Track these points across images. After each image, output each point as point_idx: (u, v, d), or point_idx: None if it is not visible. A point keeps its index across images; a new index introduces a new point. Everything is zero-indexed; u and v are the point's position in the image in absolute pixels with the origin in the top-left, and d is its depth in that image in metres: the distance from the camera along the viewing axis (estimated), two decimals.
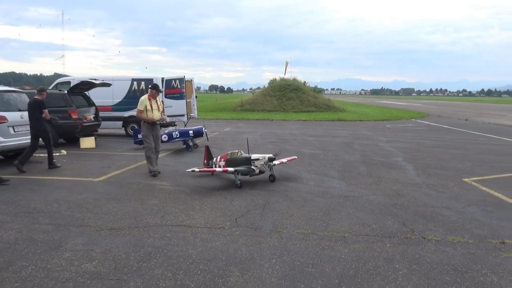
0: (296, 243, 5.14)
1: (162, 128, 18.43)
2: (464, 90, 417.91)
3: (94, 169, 10.06)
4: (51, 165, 10.17)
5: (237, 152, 8.77)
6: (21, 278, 4.08)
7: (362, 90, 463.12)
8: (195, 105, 19.01)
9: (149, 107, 9.28)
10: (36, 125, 9.90)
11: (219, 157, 9.21)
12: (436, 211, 6.71)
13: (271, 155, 8.41)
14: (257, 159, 8.31)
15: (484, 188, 8.36)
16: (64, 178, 9.04)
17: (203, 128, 14.28)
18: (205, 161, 9.72)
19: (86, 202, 6.96)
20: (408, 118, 33.48)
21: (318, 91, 52.12)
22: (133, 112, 17.91)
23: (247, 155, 8.60)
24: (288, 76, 44.65)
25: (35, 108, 9.86)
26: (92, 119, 15.32)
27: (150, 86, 9.61)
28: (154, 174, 9.19)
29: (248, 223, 5.93)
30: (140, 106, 9.29)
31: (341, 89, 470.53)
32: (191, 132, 13.81)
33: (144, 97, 9.41)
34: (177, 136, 13.89)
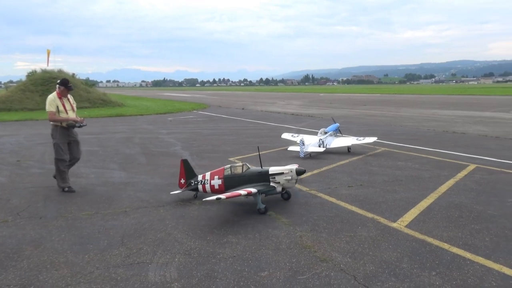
0: (83, 221, 6.63)
1: None
2: (245, 80, 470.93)
3: None
4: None
5: (242, 166, 7.55)
6: None
7: (143, 81, 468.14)
8: None
9: (61, 108, 8.40)
10: None
11: (208, 173, 7.80)
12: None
13: (297, 166, 7.53)
14: (280, 173, 7.23)
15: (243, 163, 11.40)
16: None
17: None
18: (183, 180, 8.08)
19: None
20: (190, 110, 37.30)
21: (91, 84, 51.52)
22: None
23: (259, 168, 7.45)
24: (51, 67, 42.65)
25: None
26: None
27: (58, 82, 8.67)
28: (70, 190, 8.55)
29: (31, 214, 7.03)
30: (50, 107, 8.33)
31: (118, 81, 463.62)
32: None
33: (53, 96, 8.45)
34: None
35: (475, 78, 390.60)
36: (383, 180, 9.35)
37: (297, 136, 14.23)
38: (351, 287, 4.44)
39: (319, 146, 12.71)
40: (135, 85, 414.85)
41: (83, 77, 52.05)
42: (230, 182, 7.39)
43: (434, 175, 9.81)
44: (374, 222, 6.50)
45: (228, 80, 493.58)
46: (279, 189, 7.27)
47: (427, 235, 5.88)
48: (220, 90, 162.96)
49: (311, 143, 12.73)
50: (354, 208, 7.20)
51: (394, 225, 6.35)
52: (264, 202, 7.15)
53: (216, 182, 7.54)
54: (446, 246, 5.50)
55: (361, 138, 13.48)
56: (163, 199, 7.96)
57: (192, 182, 7.94)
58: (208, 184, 7.65)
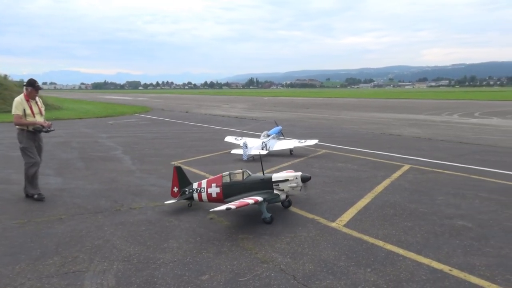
0: (14, 230, 6.30)
1: None
2: (189, 83, 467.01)
3: None
4: None
5: (242, 173, 7.16)
6: None
7: (83, 84, 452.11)
8: None
9: (28, 111, 7.93)
10: None
11: (205, 181, 7.41)
12: (145, 188, 9.00)
13: (300, 172, 7.14)
14: (284, 180, 6.92)
15: (185, 167, 11.29)
16: None
17: None
18: (176, 188, 7.59)
19: None
20: (132, 113, 36.39)
21: None
22: None
23: (261, 175, 7.19)
24: None
25: None
26: None
27: (25, 83, 8.14)
28: (40, 198, 8.06)
29: None
30: (17, 110, 7.83)
31: (56, 83, 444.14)
32: None
33: (20, 98, 7.96)
34: None
35: (410, 83, 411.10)
36: (324, 181, 9.60)
37: (240, 139, 14.31)
38: (290, 286, 4.52)
39: (262, 149, 12.84)
40: (74, 87, 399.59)
41: (16, 79, 49.26)
42: (229, 190, 7.01)
43: (371, 175, 10.21)
44: (314, 222, 6.67)
45: (172, 83, 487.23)
46: (283, 196, 6.97)
47: (364, 234, 6.11)
48: (164, 93, 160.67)
49: (254, 146, 12.84)
50: (295, 209, 7.34)
51: (333, 225, 6.54)
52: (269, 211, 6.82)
53: (214, 190, 7.15)
54: (381, 243, 5.75)
55: (303, 140, 13.77)
56: (102, 205, 7.72)
57: (186, 191, 7.49)
58: (205, 193, 7.24)
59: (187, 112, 37.82)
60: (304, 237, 6.01)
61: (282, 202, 7.23)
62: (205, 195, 7.25)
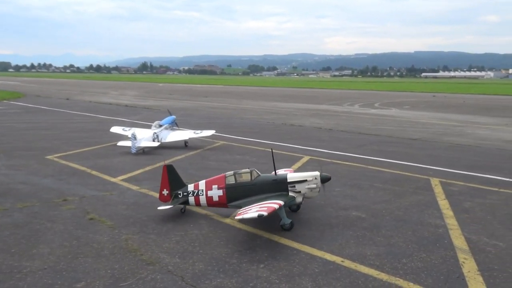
0: None
1: None
2: (72, 66, 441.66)
3: None
4: None
5: (250, 172, 6.60)
6: None
7: None
8: None
9: None
10: None
11: (203, 182, 6.70)
12: (11, 187, 8.42)
13: (318, 172, 6.55)
14: (302, 181, 6.39)
15: (63, 162, 10.77)
16: None
17: None
18: (166, 191, 6.81)
19: None
20: None
21: None
22: None
23: (273, 175, 6.66)
24: None
25: None
26: None
27: None
28: None
29: None
30: None
31: None
32: None
33: None
34: None
35: (314, 72, 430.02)
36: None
37: (129, 129, 13.89)
38: None
39: (153, 141, 12.62)
40: None
41: None
42: (235, 192, 6.55)
43: (270, 168, 10.50)
44: (207, 219, 6.74)
45: (51, 65, 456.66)
46: (299, 199, 6.54)
47: (259, 229, 6.32)
48: (41, 76, 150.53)
49: (144, 137, 12.57)
50: (187, 206, 7.33)
51: (227, 221, 6.67)
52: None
53: (215, 193, 6.61)
54: (276, 238, 5.98)
55: (199, 131, 13.77)
56: None
57: (179, 194, 6.87)
58: (204, 196, 6.67)
59: (67, 99, 35.82)
60: (196, 235, 6.05)
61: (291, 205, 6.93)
62: (204, 199, 6.73)
